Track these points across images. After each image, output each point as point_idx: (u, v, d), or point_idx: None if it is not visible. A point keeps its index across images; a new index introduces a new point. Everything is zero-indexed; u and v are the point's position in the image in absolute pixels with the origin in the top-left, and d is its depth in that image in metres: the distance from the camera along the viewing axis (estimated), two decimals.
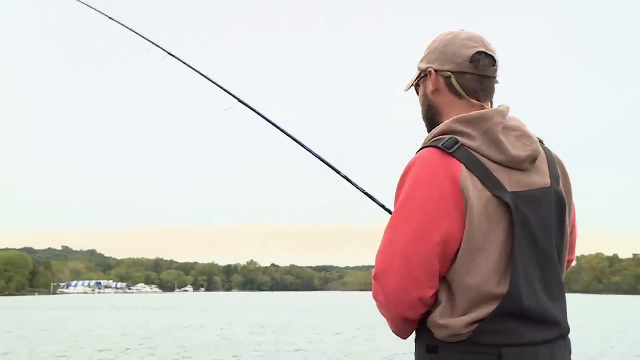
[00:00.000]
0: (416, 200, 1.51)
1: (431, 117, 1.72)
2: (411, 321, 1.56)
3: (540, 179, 1.60)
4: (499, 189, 1.52)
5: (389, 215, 1.62)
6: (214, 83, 2.58)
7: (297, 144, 2.33)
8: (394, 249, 1.52)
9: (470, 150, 1.54)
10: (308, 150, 2.30)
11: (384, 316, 1.59)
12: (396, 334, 1.64)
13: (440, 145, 1.55)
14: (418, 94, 1.77)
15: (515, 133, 1.60)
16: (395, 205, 1.58)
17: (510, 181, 1.54)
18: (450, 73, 1.67)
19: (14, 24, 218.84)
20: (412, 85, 1.79)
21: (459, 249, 1.51)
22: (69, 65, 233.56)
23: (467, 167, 1.52)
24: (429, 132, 1.69)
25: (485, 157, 1.54)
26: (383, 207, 2.05)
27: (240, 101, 2.51)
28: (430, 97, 1.71)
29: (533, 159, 1.59)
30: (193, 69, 2.64)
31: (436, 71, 1.68)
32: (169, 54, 2.74)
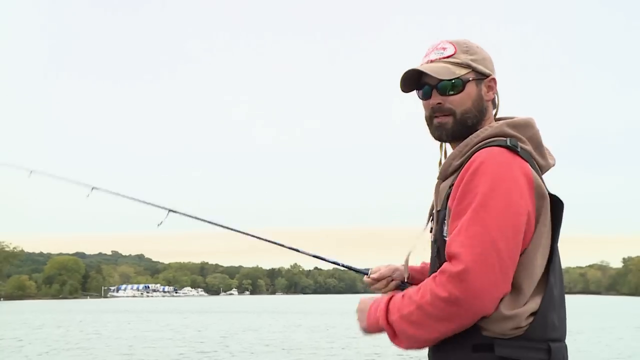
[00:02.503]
0: (501, 194, 1.51)
1: (476, 122, 1.70)
2: (478, 318, 1.51)
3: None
4: (549, 191, 1.61)
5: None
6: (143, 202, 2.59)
7: (240, 233, 2.42)
8: (483, 243, 1.47)
9: (528, 152, 1.62)
10: (255, 237, 2.38)
11: (455, 317, 1.48)
12: (431, 341, 1.55)
13: (507, 144, 1.57)
14: (459, 89, 1.68)
15: None
16: (462, 203, 1.54)
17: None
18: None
19: (12, 27, 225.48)
20: (456, 77, 1.68)
21: (530, 242, 1.55)
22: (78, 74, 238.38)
23: (531, 167, 1.58)
24: (459, 133, 1.69)
25: (535, 161, 1.64)
26: (347, 267, 2.07)
27: (171, 210, 2.51)
28: (485, 102, 1.72)
29: (551, 167, 1.72)
30: (122, 195, 2.65)
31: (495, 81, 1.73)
32: (94, 187, 2.66)
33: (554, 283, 1.58)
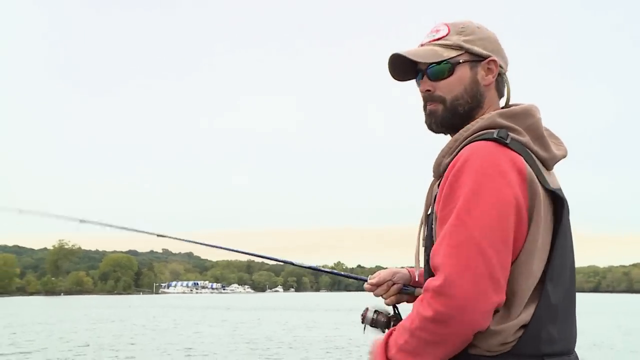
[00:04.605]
0: (486, 194, 1.34)
1: (471, 109, 1.53)
2: (473, 335, 1.34)
3: (556, 180, 1.53)
4: (548, 186, 1.43)
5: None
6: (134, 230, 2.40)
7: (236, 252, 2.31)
8: (467, 249, 1.31)
9: (521, 144, 1.44)
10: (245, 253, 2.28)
11: (448, 338, 1.32)
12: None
13: (494, 136, 1.41)
14: (447, 73, 1.53)
15: (546, 132, 1.52)
16: (448, 204, 1.38)
17: (548, 180, 1.46)
18: (503, 70, 1.58)
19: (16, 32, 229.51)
20: (443, 60, 1.52)
21: (522, 246, 1.38)
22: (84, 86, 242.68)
23: (525, 160, 1.40)
24: (450, 122, 1.53)
25: (533, 153, 1.45)
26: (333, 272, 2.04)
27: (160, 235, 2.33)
28: (482, 87, 1.54)
29: (561, 159, 1.54)
30: (110, 225, 2.40)
31: (498, 64, 1.55)
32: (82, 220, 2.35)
33: (551, 290, 1.40)
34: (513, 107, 1.52)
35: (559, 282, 1.44)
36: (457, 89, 1.54)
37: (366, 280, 1.76)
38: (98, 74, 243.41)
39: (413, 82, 1.62)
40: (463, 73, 1.54)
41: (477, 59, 1.54)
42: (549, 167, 1.51)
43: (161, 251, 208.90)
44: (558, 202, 1.46)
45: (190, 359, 16.75)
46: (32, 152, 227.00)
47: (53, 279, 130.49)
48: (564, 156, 1.55)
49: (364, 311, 1.73)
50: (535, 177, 1.41)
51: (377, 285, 1.71)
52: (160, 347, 19.30)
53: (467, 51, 1.54)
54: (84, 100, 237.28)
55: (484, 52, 1.54)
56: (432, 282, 1.35)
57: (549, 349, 1.40)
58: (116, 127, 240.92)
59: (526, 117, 1.49)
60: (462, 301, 1.31)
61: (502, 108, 1.55)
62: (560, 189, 1.49)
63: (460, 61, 1.54)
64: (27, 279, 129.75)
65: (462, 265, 1.32)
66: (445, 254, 1.35)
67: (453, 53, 1.54)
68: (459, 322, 1.32)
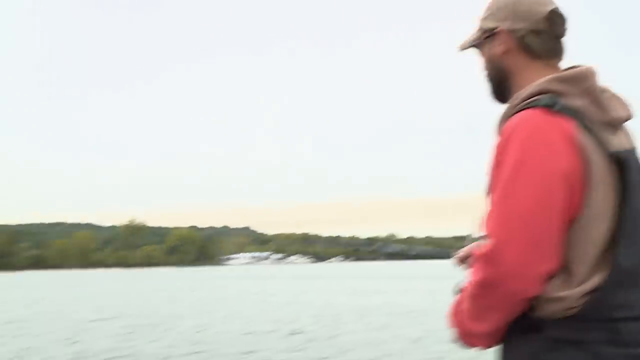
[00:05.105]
0: (531, 164, 1.34)
1: (500, 81, 1.58)
2: (525, 301, 1.37)
3: (627, 140, 1.47)
4: (609, 148, 1.38)
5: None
6: None
7: None
8: (513, 219, 1.34)
9: (574, 109, 1.39)
10: None
11: (499, 302, 1.37)
12: (495, 333, 1.43)
13: (542, 104, 1.38)
14: (482, 54, 1.61)
15: (606, 94, 1.47)
16: (497, 174, 1.40)
17: (611, 141, 1.40)
18: (524, 31, 1.52)
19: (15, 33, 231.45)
20: (471, 45, 1.63)
21: (577, 213, 1.36)
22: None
23: (578, 125, 1.37)
24: (495, 96, 1.60)
25: (591, 117, 1.40)
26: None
27: None
28: (498, 58, 1.57)
29: (627, 120, 1.49)
30: None
31: (508, 30, 1.54)
32: None
33: (623, 254, 1.36)
34: (566, 71, 1.48)
35: (633, 245, 1.39)
36: (486, 66, 1.62)
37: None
38: (99, 73, 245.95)
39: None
40: (485, 51, 1.61)
41: (490, 34, 1.59)
42: (613, 129, 1.44)
43: (220, 226, 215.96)
44: (621, 165, 1.39)
45: (256, 325, 16.52)
46: (33, 151, 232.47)
47: (127, 253, 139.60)
48: (630, 117, 1.50)
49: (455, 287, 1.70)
50: (589, 142, 1.37)
51: (465, 258, 1.62)
52: (228, 316, 19.69)
53: (483, 29, 1.61)
54: (83, 99, 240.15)
55: (491, 25, 1.57)
56: (481, 250, 1.38)
57: (622, 313, 1.37)
58: (117, 126, 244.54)
59: (580, 81, 1.44)
60: (509, 269, 1.34)
61: (563, 71, 1.51)
62: (628, 150, 1.44)
63: (479, 41, 1.61)
64: (103, 253, 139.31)
65: (508, 235, 1.34)
66: (493, 223, 1.37)
67: (477, 35, 1.63)
68: (505, 288, 1.35)
